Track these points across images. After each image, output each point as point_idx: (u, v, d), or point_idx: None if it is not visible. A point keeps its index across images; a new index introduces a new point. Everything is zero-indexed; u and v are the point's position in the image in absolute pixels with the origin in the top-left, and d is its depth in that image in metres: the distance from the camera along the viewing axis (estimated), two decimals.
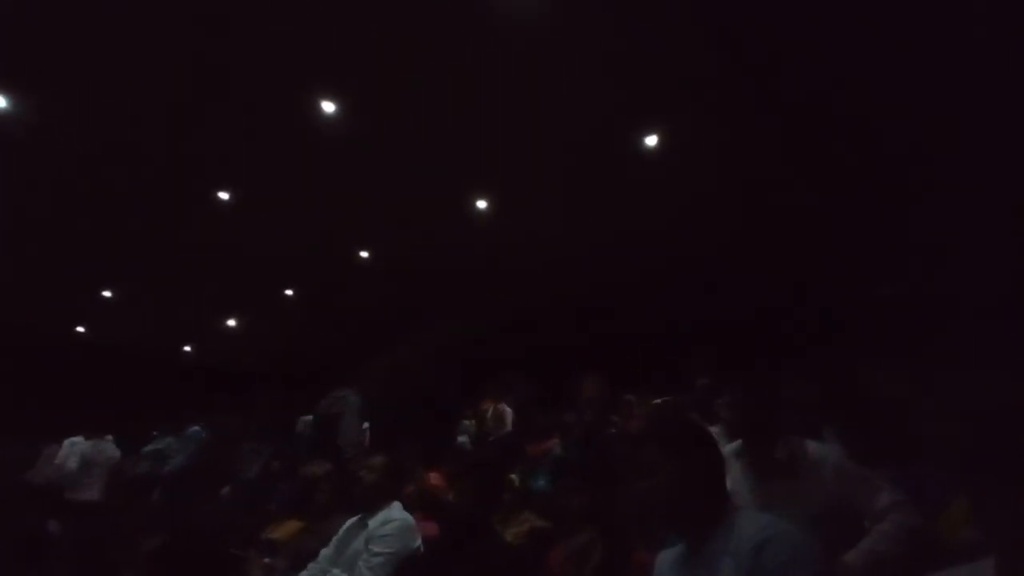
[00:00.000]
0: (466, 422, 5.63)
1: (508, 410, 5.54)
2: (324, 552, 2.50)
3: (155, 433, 5.88)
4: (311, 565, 2.48)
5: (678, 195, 5.87)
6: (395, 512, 2.44)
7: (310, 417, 5.06)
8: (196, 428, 5.55)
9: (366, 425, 5.21)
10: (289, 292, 8.35)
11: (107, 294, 7.94)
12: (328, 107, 4.51)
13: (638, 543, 1.79)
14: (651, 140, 4.98)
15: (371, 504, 2.50)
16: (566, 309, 8.30)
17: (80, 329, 9.30)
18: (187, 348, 10.86)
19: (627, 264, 7.33)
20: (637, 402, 4.45)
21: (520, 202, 6.06)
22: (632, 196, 5.92)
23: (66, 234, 6.24)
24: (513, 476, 3.45)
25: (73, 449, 4.96)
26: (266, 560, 2.74)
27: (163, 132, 4.73)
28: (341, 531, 2.53)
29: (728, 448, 2.01)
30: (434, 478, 3.64)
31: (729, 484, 1.65)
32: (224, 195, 5.68)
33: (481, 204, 6.04)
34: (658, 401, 4.14)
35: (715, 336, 6.21)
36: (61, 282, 7.45)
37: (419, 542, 2.39)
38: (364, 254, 7.18)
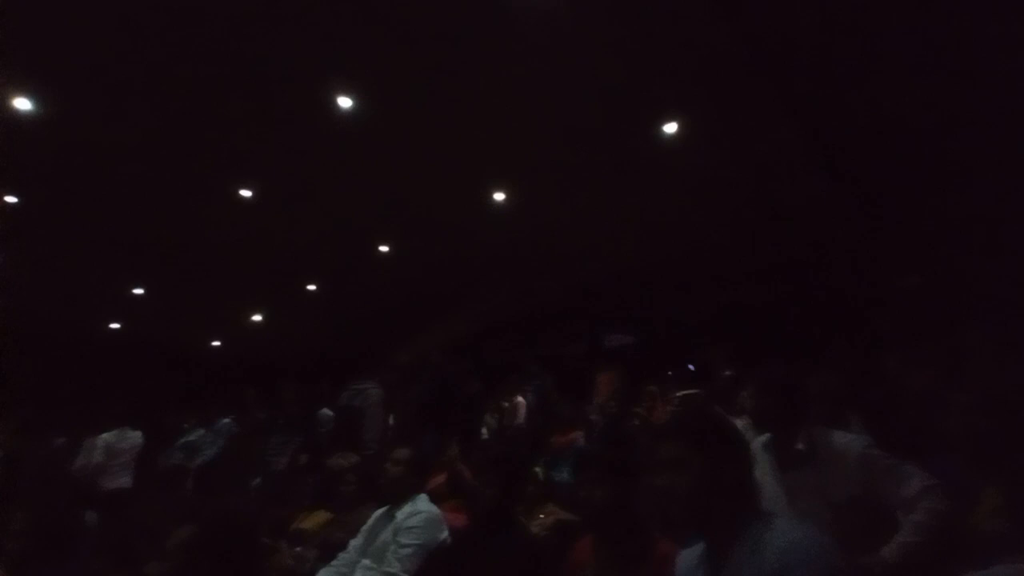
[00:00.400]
0: (488, 416, 5.68)
1: (522, 403, 5.57)
2: (353, 542, 2.54)
3: (187, 426, 6.04)
4: (341, 555, 2.53)
5: (700, 186, 5.80)
6: (421, 504, 2.47)
7: (327, 410, 5.15)
8: (227, 421, 5.68)
9: (392, 420, 5.30)
10: (312, 287, 8.49)
11: (140, 291, 8.18)
12: (346, 102, 4.52)
13: (661, 535, 1.79)
14: (669, 130, 4.89)
15: (396, 497, 2.53)
16: (586, 302, 8.29)
17: (115, 326, 9.60)
18: (217, 343, 11.15)
19: (644, 255, 7.28)
20: (660, 392, 4.43)
21: (540, 196, 6.03)
22: (650, 188, 5.85)
23: (102, 234, 6.41)
24: (537, 469, 3.47)
25: (97, 440, 5.07)
26: (297, 550, 2.81)
27: (187, 130, 4.81)
28: (369, 522, 2.57)
29: (757, 441, 2.00)
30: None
31: (757, 476, 1.63)
32: (247, 193, 5.78)
33: (499, 197, 6.03)
34: (682, 394, 4.11)
35: (736, 328, 6.15)
36: (96, 281, 7.69)
37: (446, 533, 2.41)
38: (385, 248, 7.25)
